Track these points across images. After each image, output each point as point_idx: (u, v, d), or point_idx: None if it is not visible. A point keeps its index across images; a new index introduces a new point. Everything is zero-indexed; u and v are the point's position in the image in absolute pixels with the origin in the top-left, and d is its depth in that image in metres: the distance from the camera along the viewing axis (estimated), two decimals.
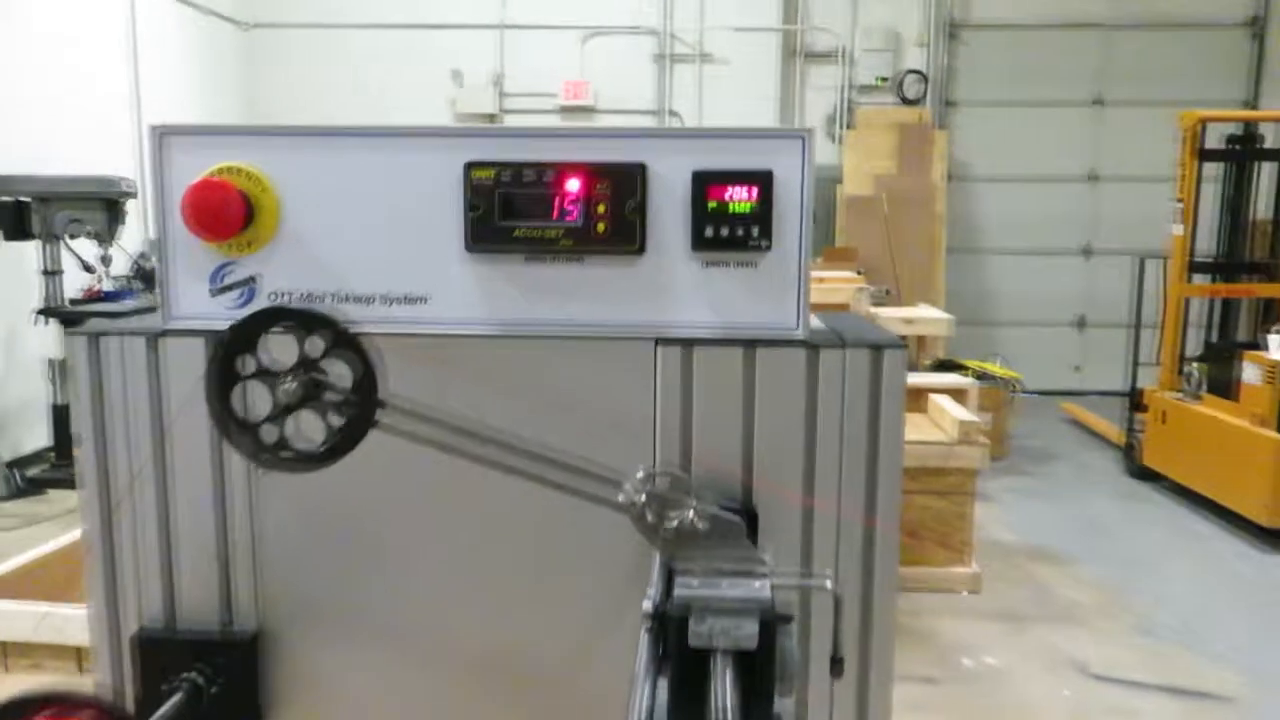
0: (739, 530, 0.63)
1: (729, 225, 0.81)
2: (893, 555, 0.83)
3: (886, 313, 7.76)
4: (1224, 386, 6.68)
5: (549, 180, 0.81)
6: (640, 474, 0.62)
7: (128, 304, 7.90)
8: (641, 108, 9.36)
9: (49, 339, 7.62)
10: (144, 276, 8.18)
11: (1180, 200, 5.63)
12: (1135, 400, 6.12)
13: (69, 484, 7.64)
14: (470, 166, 0.81)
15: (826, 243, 8.92)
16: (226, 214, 0.81)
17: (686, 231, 0.82)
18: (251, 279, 0.85)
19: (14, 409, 7.57)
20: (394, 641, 0.90)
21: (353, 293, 0.84)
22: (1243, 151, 6.97)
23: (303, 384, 0.61)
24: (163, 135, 0.84)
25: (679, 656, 0.60)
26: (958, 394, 6.18)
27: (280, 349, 0.66)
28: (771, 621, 0.60)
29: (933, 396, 5.92)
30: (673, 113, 9.37)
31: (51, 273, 7.69)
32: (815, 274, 6.54)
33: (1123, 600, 3.52)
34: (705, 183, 0.81)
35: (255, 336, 0.61)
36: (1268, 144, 6.77)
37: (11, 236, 7.54)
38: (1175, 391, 7.36)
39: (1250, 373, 6.28)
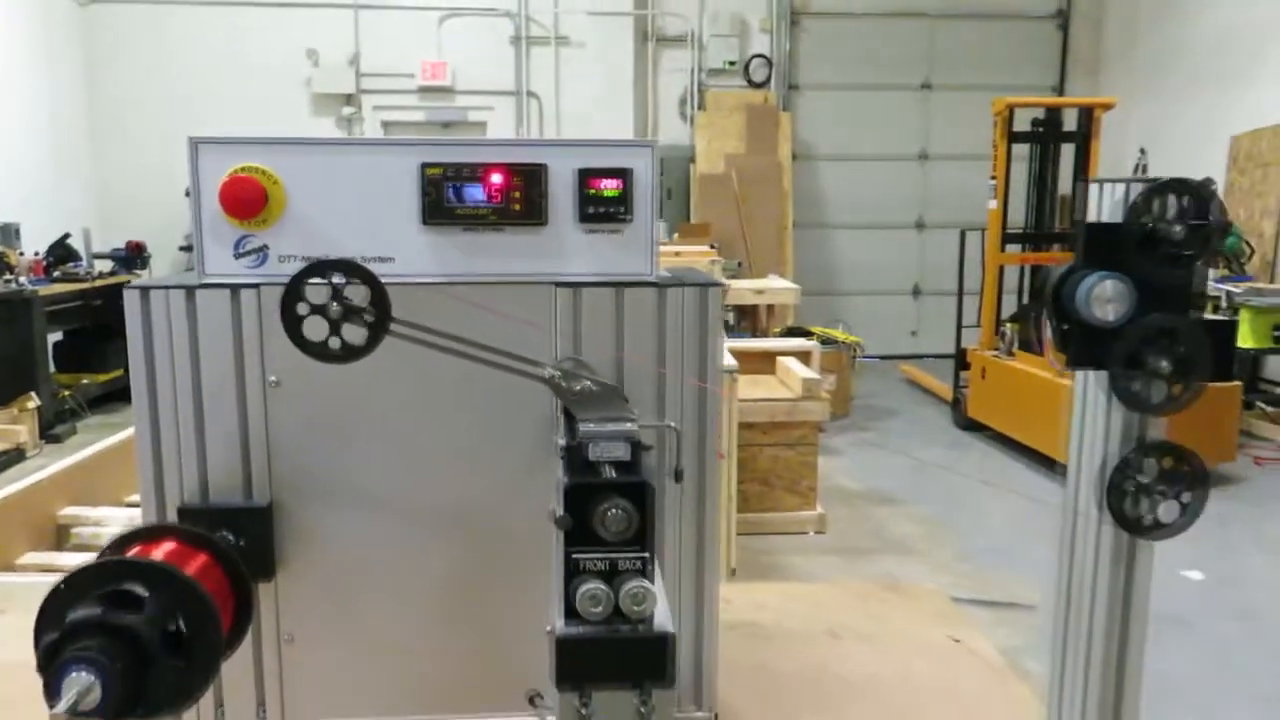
0: (618, 394, 1.02)
1: (603, 205, 1.21)
2: (715, 407, 1.25)
3: (739, 284, 8.30)
4: (1030, 344, 7.50)
5: (480, 175, 1.19)
6: (556, 361, 1.00)
7: None
8: (500, 89, 9.53)
9: None
10: None
11: (994, 178, 6.30)
12: (960, 359, 6.76)
13: None
14: (424, 165, 1.18)
15: (682, 219, 9.39)
16: (250, 200, 1.16)
17: (575, 210, 1.21)
18: (264, 246, 1.19)
19: None
20: (373, 507, 1.26)
21: (339, 255, 1.19)
22: (1045, 134, 7.79)
23: (343, 307, 0.96)
24: (196, 143, 1.17)
25: (582, 469, 0.98)
26: (804, 356, 6.77)
27: (317, 294, 1.01)
28: (636, 445, 1.00)
29: (780, 359, 6.48)
30: (530, 94, 9.60)
31: None
32: (672, 248, 6.98)
33: (947, 533, 4.08)
34: (587, 176, 1.20)
35: (303, 283, 0.97)
36: (1069, 128, 7.58)
37: None
38: (993, 350, 8.20)
39: (1049, 331, 7.06)
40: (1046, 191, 7.98)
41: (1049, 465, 7.09)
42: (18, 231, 8.13)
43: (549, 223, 1.21)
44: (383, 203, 1.19)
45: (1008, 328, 7.62)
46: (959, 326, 7.07)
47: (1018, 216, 7.53)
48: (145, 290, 1.20)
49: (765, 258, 9.36)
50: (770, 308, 8.39)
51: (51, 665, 0.87)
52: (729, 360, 4.50)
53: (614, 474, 0.93)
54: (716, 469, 1.27)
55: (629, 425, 1.01)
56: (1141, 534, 1.03)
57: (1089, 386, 1.08)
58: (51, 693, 0.86)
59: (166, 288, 1.20)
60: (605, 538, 0.85)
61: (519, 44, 9.23)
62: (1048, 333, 1.01)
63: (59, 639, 0.89)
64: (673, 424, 1.16)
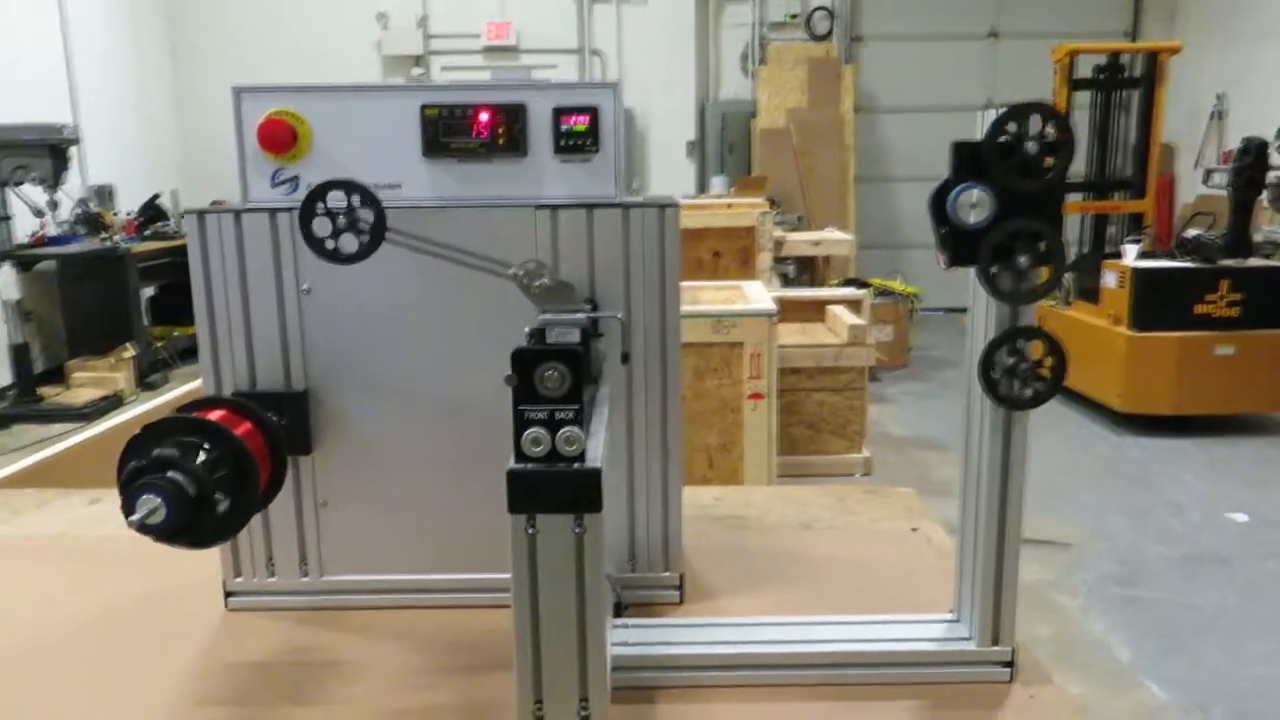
0: (572, 290, 1.25)
1: (575, 139, 1.43)
2: (675, 300, 1.48)
3: (796, 236, 8.41)
4: (1091, 293, 7.48)
5: (470, 115, 1.42)
6: (520, 262, 1.23)
7: (74, 247, 8.21)
8: (563, 47, 9.72)
9: (3, 282, 7.93)
10: (88, 220, 8.46)
11: None
12: None
13: (32, 418, 7.99)
14: (424, 107, 1.42)
15: (742, 173, 9.50)
16: (282, 137, 1.41)
17: (551, 142, 1.43)
18: (296, 177, 1.45)
19: None
20: (395, 393, 1.51)
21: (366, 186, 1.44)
22: (1108, 81, 7.67)
23: (346, 218, 1.21)
24: (239, 92, 1.43)
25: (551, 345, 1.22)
26: (854, 305, 6.88)
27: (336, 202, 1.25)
28: (586, 332, 1.22)
29: (830, 307, 6.61)
30: (593, 51, 9.77)
31: (1, 219, 7.96)
32: (725, 200, 7.13)
33: None
34: (560, 114, 1.42)
35: (321, 195, 1.21)
36: (1135, 73, 7.46)
37: None
38: (1050, 300, 8.18)
39: (1109, 278, 7.08)
40: (1110, 139, 7.87)
41: (1102, 412, 7.10)
42: (112, 193, 8.68)
43: (529, 154, 1.44)
44: (390, 139, 1.43)
45: (1066, 277, 7.59)
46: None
47: (1079, 165, 7.49)
48: (201, 215, 1.47)
49: (826, 211, 9.43)
50: (828, 259, 8.48)
51: (130, 488, 1.14)
52: (766, 304, 4.69)
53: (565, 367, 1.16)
54: (677, 364, 1.49)
55: (579, 315, 1.24)
56: (1009, 406, 1.22)
57: (973, 283, 1.27)
58: (127, 509, 1.13)
59: (218, 213, 1.47)
60: (545, 394, 1.08)
61: (581, 2, 9.39)
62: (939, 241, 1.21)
63: (136, 469, 1.16)
64: (619, 315, 1.38)
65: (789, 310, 5.99)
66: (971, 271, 1.25)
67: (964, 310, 1.30)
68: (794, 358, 5.70)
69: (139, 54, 9.68)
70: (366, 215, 1.23)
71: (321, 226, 1.23)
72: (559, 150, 1.44)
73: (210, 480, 1.19)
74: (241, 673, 1.41)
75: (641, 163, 9.88)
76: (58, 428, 6.98)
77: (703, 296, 4.86)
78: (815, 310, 6.51)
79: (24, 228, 7.90)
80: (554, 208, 1.46)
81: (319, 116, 1.43)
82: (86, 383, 7.94)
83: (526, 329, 1.26)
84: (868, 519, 1.95)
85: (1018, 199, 1.17)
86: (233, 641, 1.49)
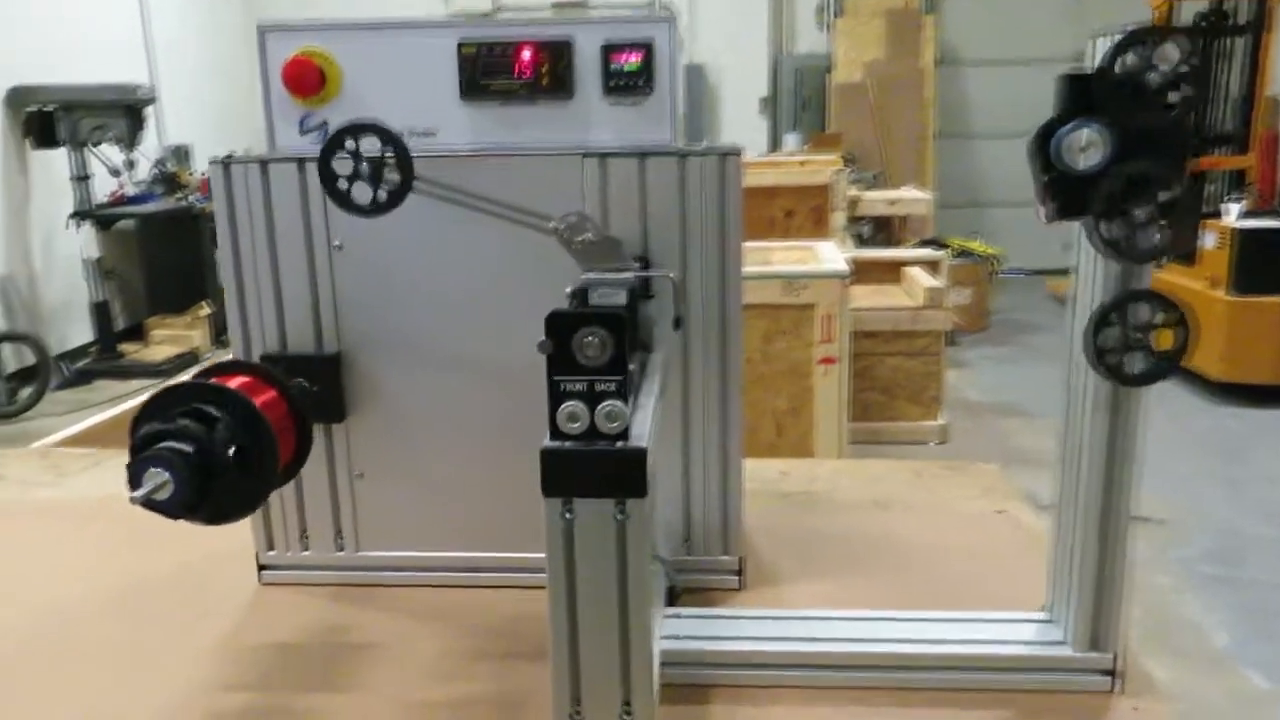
0: (618, 246, 1.12)
1: (626, 79, 1.28)
2: (736, 258, 1.33)
3: (871, 195, 8.13)
4: (1186, 255, 7.08)
5: (511, 52, 1.28)
6: (561, 215, 1.10)
7: (151, 206, 8.31)
8: (633, 1, 9.51)
9: (84, 241, 8.07)
10: (165, 180, 8.56)
11: None
12: None
13: (113, 374, 8.17)
14: (461, 44, 1.29)
15: (818, 130, 9.21)
16: (309, 79, 1.29)
17: (600, 82, 1.29)
18: (325, 123, 1.33)
19: (59, 307, 8.10)
20: (430, 358, 1.40)
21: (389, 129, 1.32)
22: (1211, 29, 7.20)
23: (371, 166, 1.09)
24: (263, 31, 1.31)
25: (591, 308, 1.09)
26: (931, 266, 6.61)
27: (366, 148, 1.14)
28: (634, 292, 1.09)
29: (906, 269, 6.35)
30: (664, 4, 9.54)
31: (81, 178, 8.09)
32: (798, 157, 6.89)
33: None
34: (610, 51, 1.28)
35: (342, 141, 1.10)
36: (1241, 20, 6.99)
37: (41, 144, 7.93)
38: None
39: (1208, 239, 6.68)
40: (1211, 91, 7.40)
41: (1198, 381, 6.74)
42: (189, 153, 8.76)
43: (576, 96, 1.30)
44: (425, 80, 1.31)
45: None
46: None
47: None
48: (226, 165, 1.36)
49: (903, 169, 9.11)
50: (904, 219, 8.19)
51: (135, 460, 1.05)
52: (839, 265, 4.49)
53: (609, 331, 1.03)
54: (739, 328, 1.35)
55: (626, 274, 1.11)
56: (1120, 381, 1.06)
57: (1080, 239, 1.11)
58: (133, 483, 1.04)
59: (244, 162, 1.36)
60: (584, 364, 0.95)
61: None
62: (1038, 188, 1.04)
63: (144, 440, 1.07)
64: (671, 274, 1.24)
65: (863, 272, 5.76)
66: (1078, 226, 1.08)
67: (1048, 273, 1.12)
68: (868, 321, 5.49)
69: (214, 12, 9.74)
70: (393, 163, 1.11)
71: (344, 176, 1.12)
72: (609, 91, 1.29)
73: (224, 452, 1.10)
74: (268, 654, 1.33)
75: (713, 120, 9.64)
76: (136, 384, 7.12)
77: (774, 257, 4.68)
78: (891, 272, 6.26)
79: (104, 188, 8.03)
80: (603, 155, 1.32)
81: (349, 57, 1.31)
82: (165, 340, 8.08)
83: (568, 289, 1.13)
84: (947, 497, 1.80)
85: (1138, 138, 0.99)
86: (262, 619, 1.41)
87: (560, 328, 0.96)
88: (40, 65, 7.25)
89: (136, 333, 8.34)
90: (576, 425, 0.95)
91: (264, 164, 1.36)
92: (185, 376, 1.24)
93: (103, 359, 7.98)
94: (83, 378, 7.75)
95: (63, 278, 7.72)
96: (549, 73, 1.28)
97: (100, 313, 7.88)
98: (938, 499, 1.79)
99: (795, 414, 4.80)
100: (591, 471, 0.96)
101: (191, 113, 8.76)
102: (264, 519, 1.48)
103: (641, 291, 1.14)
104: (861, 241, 7.71)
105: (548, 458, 0.96)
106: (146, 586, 1.51)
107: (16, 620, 1.42)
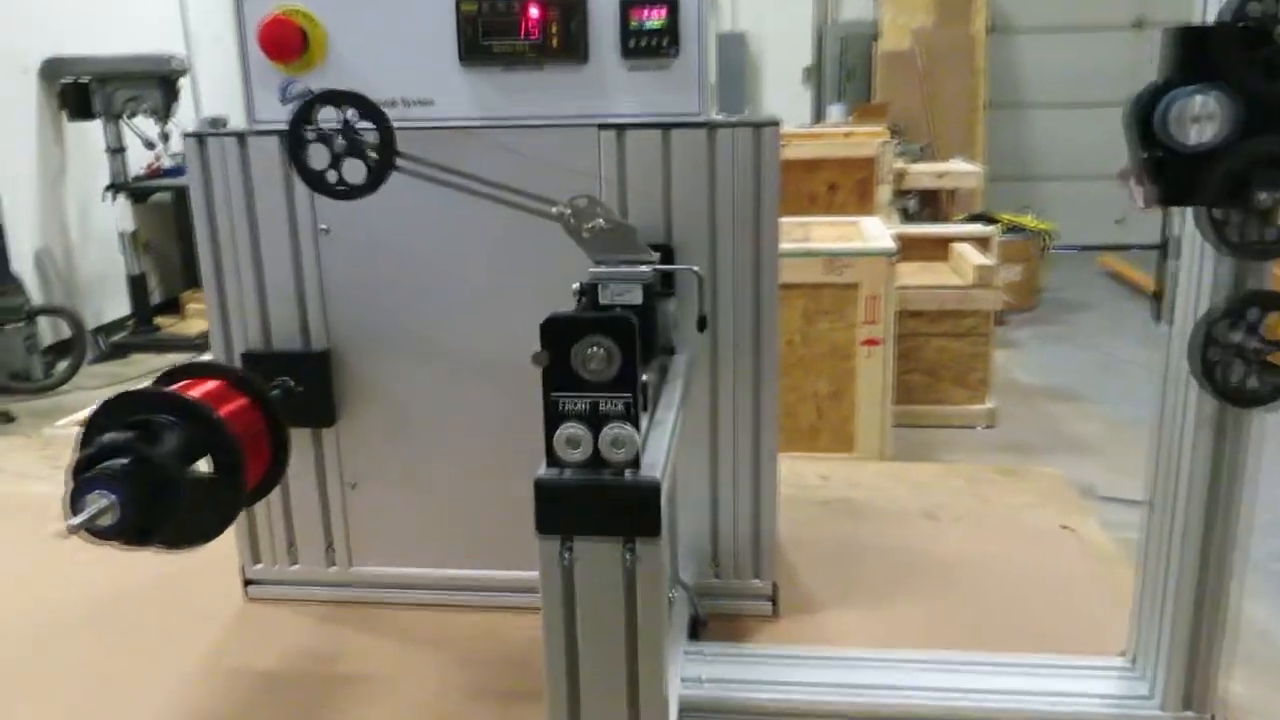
0: (632, 234, 0.96)
1: (648, 38, 1.12)
2: (772, 244, 1.17)
3: (919, 168, 7.86)
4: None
5: (516, 9, 1.12)
6: (567, 199, 0.94)
7: (186, 179, 8.25)
8: None
9: (120, 214, 8.05)
10: None
11: None
12: (1165, 248, 6.24)
13: (149, 348, 8.20)
14: (459, 1, 1.13)
15: (863, 101, 8.92)
16: (289, 42, 1.14)
17: (617, 44, 1.12)
18: (309, 90, 1.18)
19: (94, 280, 8.10)
20: (428, 356, 1.25)
21: (380, 98, 1.17)
22: None
23: (347, 139, 0.94)
24: None
25: (595, 313, 0.93)
26: (981, 243, 6.35)
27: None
28: (653, 290, 0.93)
29: (955, 245, 6.11)
30: None
31: (116, 150, 8.05)
32: (842, 129, 6.65)
33: (1131, 433, 3.76)
34: (629, 6, 1.11)
35: (315, 109, 0.94)
36: None
37: (75, 116, 7.92)
38: None
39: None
40: None
41: None
42: (225, 125, 8.68)
43: (590, 59, 1.13)
44: (420, 42, 1.15)
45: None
46: (1165, 212, 6.45)
47: None
48: (201, 137, 1.22)
49: (952, 141, 8.80)
50: (953, 193, 7.92)
51: (75, 482, 0.91)
52: (885, 242, 4.29)
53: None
54: (774, 326, 1.19)
55: (642, 267, 0.95)
56: (1234, 400, 0.88)
57: (1188, 228, 0.93)
58: (73, 508, 0.90)
59: (220, 134, 1.22)
60: (587, 378, 0.80)
61: None
62: (1133, 166, 0.86)
63: (87, 459, 0.93)
64: (696, 269, 1.08)
65: (910, 248, 5.52)
66: (1187, 213, 0.90)
67: (1101, 248, 0.94)
68: (914, 300, 5.26)
69: None
70: (373, 138, 0.96)
71: (317, 153, 0.96)
72: (628, 53, 1.13)
73: (180, 470, 0.96)
74: (250, 684, 1.20)
75: (754, 91, 9.37)
76: (172, 357, 7.09)
77: (815, 233, 4.48)
78: (938, 248, 6.01)
79: (140, 161, 7.98)
80: (620, 127, 1.16)
81: (334, 17, 1.16)
82: (200, 313, 8.05)
83: (575, 286, 0.97)
84: (1003, 508, 1.62)
85: (1266, 109, 0.81)
86: (246, 642, 1.29)
87: (558, 336, 0.80)
88: (75, 36, 7.19)
89: (173, 306, 8.33)
90: (577, 452, 0.80)
91: (241, 137, 1.21)
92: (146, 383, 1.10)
93: (139, 332, 7.97)
94: (119, 351, 7.74)
95: (99, 251, 7.70)
96: (559, 33, 1.12)
97: (136, 286, 7.85)
98: (993, 509, 1.62)
99: (836, 398, 4.62)
100: (595, 507, 0.81)
101: (227, 84, 8.68)
102: (249, 529, 1.35)
103: (660, 288, 0.99)
104: (907, 216, 7.45)
105: (543, 490, 0.81)
106: (124, 599, 1.39)
107: None
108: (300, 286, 1.25)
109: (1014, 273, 8.16)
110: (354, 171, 0.97)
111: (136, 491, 0.91)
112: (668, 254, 1.15)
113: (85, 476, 0.92)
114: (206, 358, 1.24)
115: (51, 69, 7.78)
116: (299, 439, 1.30)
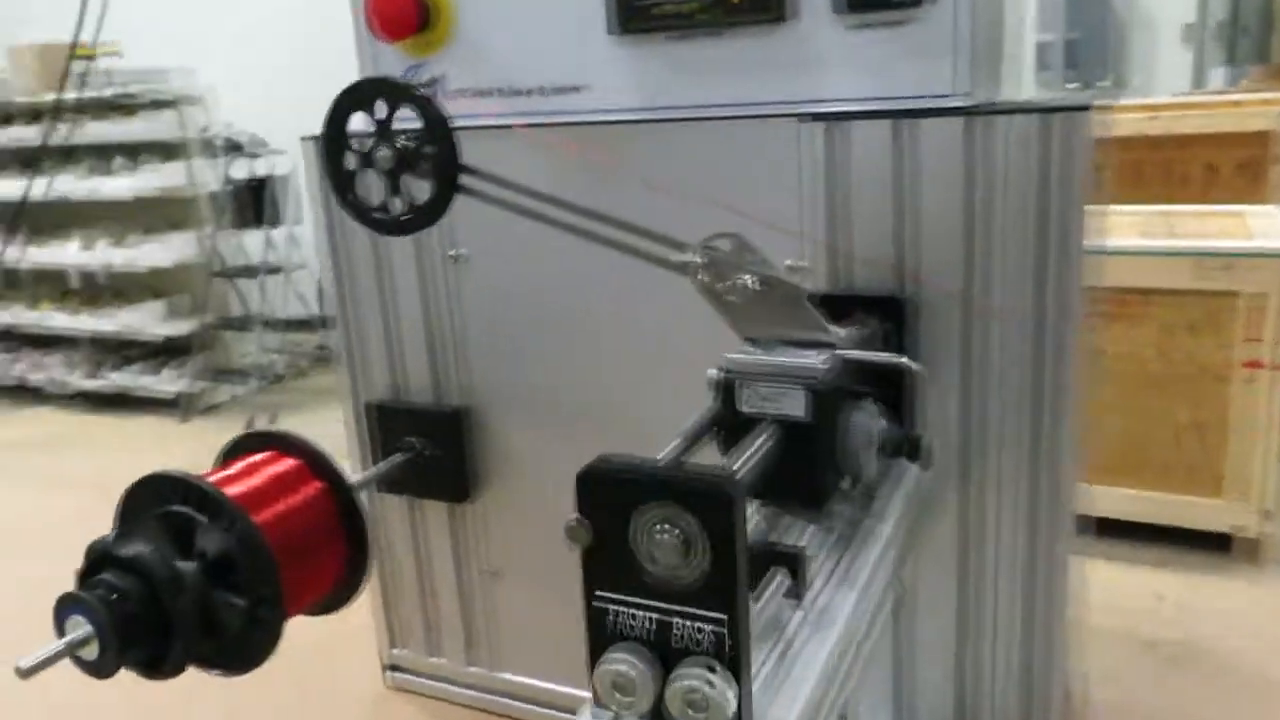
0: (799, 298, 0.59)
1: None
2: (1072, 325, 0.73)
3: None
4: None
5: None
6: (702, 241, 0.59)
7: None
8: None
9: None
10: None
11: None
12: None
13: None
14: None
15: (1259, 62, 7.47)
16: (406, 18, 0.88)
17: None
18: (435, 79, 0.91)
19: None
20: (582, 416, 0.95)
21: (519, 86, 0.88)
22: None
23: (392, 150, 0.66)
24: None
25: (731, 424, 0.58)
26: None
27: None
28: (822, 396, 0.56)
29: None
30: None
31: None
32: (1230, 97, 5.53)
33: None
34: None
35: (350, 108, 0.67)
36: None
37: None
38: None
39: None
40: None
41: None
42: None
43: (789, 16, 0.76)
44: (563, 11, 0.84)
45: None
46: None
47: None
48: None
49: None
50: None
51: (65, 596, 0.70)
52: (1277, 239, 3.43)
53: (772, 450, 0.53)
54: (1076, 421, 0.75)
55: (809, 357, 0.58)
56: None
57: None
58: (57, 628, 0.70)
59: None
60: (651, 575, 0.45)
61: None
62: None
63: (93, 564, 0.72)
64: (908, 361, 0.66)
65: None
66: None
67: None
68: None
69: None
70: (425, 147, 0.66)
71: (354, 169, 0.68)
72: (850, 6, 0.74)
73: (187, 600, 0.72)
74: None
75: (1119, 53, 8.16)
76: None
77: (1182, 227, 3.67)
78: None
79: None
80: (834, 117, 0.77)
81: None
82: None
83: (711, 373, 0.62)
84: None
85: None
86: None
87: (605, 499, 0.46)
88: None
89: None
90: (630, 704, 0.46)
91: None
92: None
93: None
94: None
95: None
96: None
97: None
98: None
99: (1201, 430, 3.79)
100: None
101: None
102: (385, 609, 1.13)
103: (855, 382, 0.60)
104: None
105: None
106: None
107: None
108: (429, 326, 0.99)
109: None
110: (407, 192, 0.68)
111: (115, 629, 0.69)
112: (896, 310, 0.75)
113: (75, 592, 0.71)
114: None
115: None
116: (435, 513, 1.06)
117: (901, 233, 0.76)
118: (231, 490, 0.78)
